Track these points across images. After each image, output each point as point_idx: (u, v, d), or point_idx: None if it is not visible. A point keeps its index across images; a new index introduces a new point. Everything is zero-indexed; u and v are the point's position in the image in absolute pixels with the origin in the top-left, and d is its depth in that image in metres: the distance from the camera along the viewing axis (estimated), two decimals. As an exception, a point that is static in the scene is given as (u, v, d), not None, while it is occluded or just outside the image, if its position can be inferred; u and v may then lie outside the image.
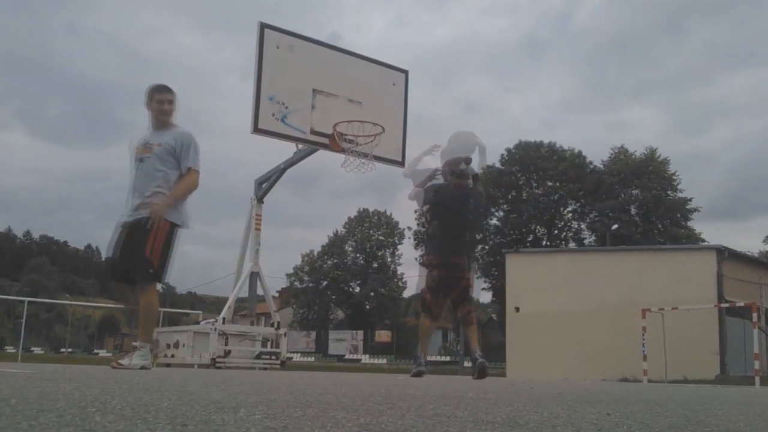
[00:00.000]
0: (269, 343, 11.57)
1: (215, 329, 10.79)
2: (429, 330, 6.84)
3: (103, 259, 5.23)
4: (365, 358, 48.33)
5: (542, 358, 21.82)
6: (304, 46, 10.69)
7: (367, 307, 57.14)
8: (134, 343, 5.33)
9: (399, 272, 57.97)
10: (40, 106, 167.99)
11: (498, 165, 47.18)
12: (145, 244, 5.20)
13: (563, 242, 46.68)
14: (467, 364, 37.67)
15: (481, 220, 5.82)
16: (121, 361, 5.19)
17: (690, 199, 43.20)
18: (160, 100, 5.51)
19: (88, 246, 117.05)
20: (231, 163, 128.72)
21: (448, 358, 45.88)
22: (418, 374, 6.43)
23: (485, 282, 47.76)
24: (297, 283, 57.90)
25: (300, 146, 10.94)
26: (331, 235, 58.39)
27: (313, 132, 10.57)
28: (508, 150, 47.33)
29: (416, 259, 50.87)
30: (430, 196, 6.69)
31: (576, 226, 47.68)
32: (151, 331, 5.48)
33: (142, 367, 5.08)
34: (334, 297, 57.40)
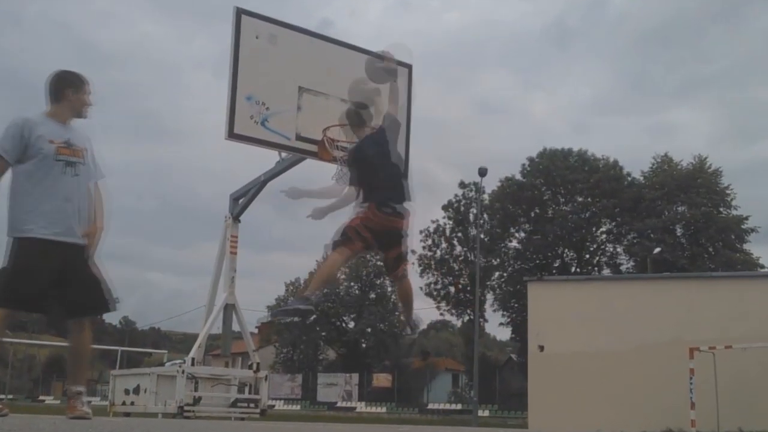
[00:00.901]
0: (247, 389, 11.54)
1: (183, 372, 10.74)
2: (341, 264, 6.88)
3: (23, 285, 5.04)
4: (361, 406, 48.09)
5: (571, 405, 21.61)
6: (288, 35, 10.67)
7: (364, 345, 56.96)
8: (76, 388, 5.32)
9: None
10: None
11: (518, 177, 47.28)
12: (92, 268, 5.27)
13: (596, 269, 46.69)
14: (482, 413, 37.55)
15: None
16: (84, 409, 5.22)
17: (746, 218, 43.20)
18: (87, 92, 5.57)
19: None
20: (202, 174, 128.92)
21: (459, 406, 45.77)
22: (305, 313, 6.53)
23: (503, 316, 47.90)
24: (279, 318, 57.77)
25: (283, 155, 10.93)
26: (320, 261, 58.37)
27: (299, 138, 10.54)
28: (531, 159, 47.50)
29: (422, 288, 50.96)
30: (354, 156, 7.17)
31: (611, 249, 47.81)
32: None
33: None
34: (323, 334, 57.24)
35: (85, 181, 5.42)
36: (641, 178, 46.03)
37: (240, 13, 10.31)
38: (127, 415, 10.98)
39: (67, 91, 5.46)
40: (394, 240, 6.71)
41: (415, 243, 56.04)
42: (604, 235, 47.54)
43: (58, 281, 5.14)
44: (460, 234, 50.94)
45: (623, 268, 46.18)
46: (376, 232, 6.58)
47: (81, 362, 5.41)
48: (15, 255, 5.11)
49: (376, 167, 6.88)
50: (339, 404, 49.51)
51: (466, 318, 50.45)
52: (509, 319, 47.05)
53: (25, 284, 5.03)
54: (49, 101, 5.48)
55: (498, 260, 48.39)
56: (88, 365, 5.45)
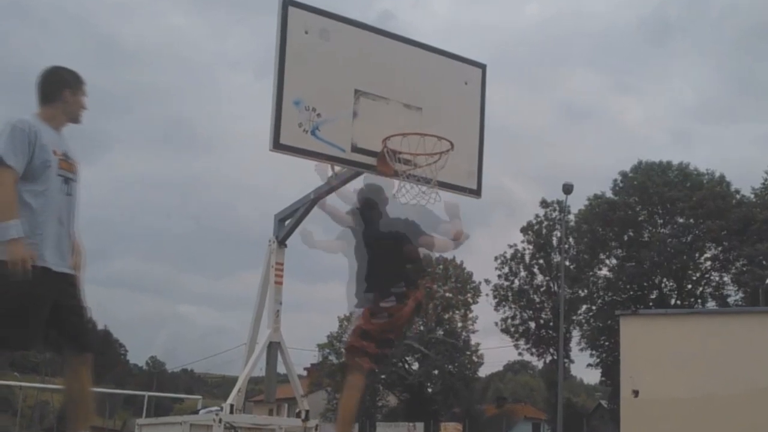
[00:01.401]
0: (294, 440, 11.44)
1: (220, 421, 10.62)
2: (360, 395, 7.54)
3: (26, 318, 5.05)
4: (426, 460, 47.89)
5: (672, 461, 21.32)
6: (343, 30, 10.48)
7: (429, 390, 56.68)
8: None
9: (473, 342, 57.67)
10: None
11: (609, 194, 46.92)
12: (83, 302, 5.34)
13: (699, 301, 46.04)
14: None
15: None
16: None
17: None
18: (84, 94, 5.61)
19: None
20: (242, 191, 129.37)
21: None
22: None
23: (591, 356, 47.45)
24: (332, 358, 57.85)
25: (337, 169, 10.69)
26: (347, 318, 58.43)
27: (356, 149, 10.30)
28: (624, 174, 47.20)
29: (497, 323, 50.64)
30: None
31: (717, 278, 47.11)
32: None
33: None
34: (383, 377, 57.08)
35: (76, 202, 5.48)
36: (752, 196, 45.51)
37: (287, 4, 10.12)
38: (157, 470, 10.93)
39: (64, 91, 5.47)
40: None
41: (489, 271, 56.00)
42: (708, 262, 47.08)
43: (50, 317, 5.16)
44: (541, 261, 50.73)
45: (731, 300, 45.70)
46: (381, 339, 7.22)
47: (81, 408, 5.40)
48: (11, 283, 5.01)
49: (384, 256, 7.51)
50: (401, 457, 49.31)
51: (549, 358, 50.25)
52: (599, 360, 46.89)
53: (24, 320, 5.02)
54: (39, 102, 5.46)
55: (585, 291, 48.13)
56: (91, 411, 5.43)
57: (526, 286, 50.82)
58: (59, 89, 5.45)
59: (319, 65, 10.23)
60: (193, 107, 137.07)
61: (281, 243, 11.52)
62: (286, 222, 11.55)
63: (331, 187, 10.85)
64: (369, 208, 8.34)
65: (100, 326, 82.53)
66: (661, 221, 46.53)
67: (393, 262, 7.58)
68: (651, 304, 44.58)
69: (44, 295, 5.13)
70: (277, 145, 9.85)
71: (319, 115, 10.07)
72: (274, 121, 9.88)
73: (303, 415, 11.37)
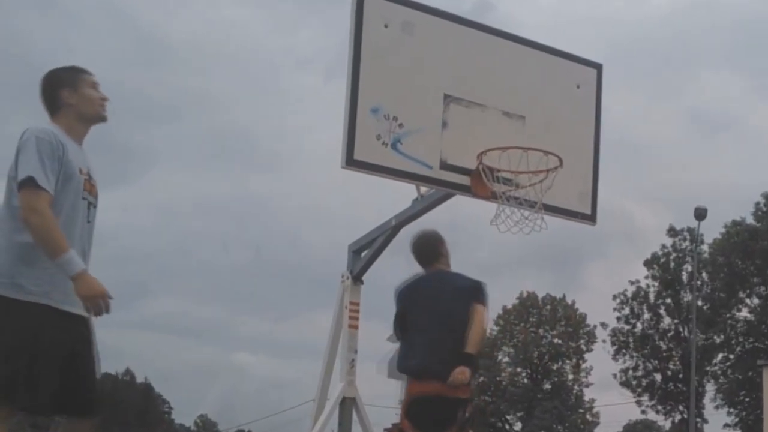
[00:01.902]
0: None
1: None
2: None
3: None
4: None
5: None
6: (430, 23, 10.23)
7: (535, 454, 56.29)
8: None
9: (586, 398, 57.15)
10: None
11: (750, 220, 46.20)
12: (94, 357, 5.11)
13: None
14: None
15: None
16: None
17: None
18: (91, 84, 5.31)
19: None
20: (309, 217, 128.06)
21: None
22: None
23: (729, 414, 46.73)
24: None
25: (423, 190, 10.50)
26: None
27: (445, 166, 10.04)
28: (767, 196, 46.23)
29: (615, 375, 49.95)
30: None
31: None
32: None
33: None
34: (480, 437, 56.84)
35: (93, 223, 5.28)
36: None
37: (363, -7, 10.18)
38: None
39: (62, 92, 5.18)
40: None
41: (607, 313, 55.21)
42: None
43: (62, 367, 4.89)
44: (669, 300, 50.21)
45: None
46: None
47: None
48: (27, 327, 4.77)
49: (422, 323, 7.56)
50: None
51: (678, 417, 49.55)
52: (738, 419, 46.04)
53: (36, 373, 4.76)
54: (50, 118, 5.21)
55: (722, 336, 47.43)
56: None
57: (650, 331, 50.38)
58: (56, 93, 5.19)
59: (401, 65, 10.00)
60: (252, 115, 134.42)
61: (356, 279, 11.28)
62: (363, 254, 11.32)
63: (416, 211, 10.69)
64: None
65: (139, 378, 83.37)
66: (814, 252, 45.70)
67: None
68: (801, 352, 43.75)
69: (61, 342, 4.87)
70: (351, 162, 9.65)
71: (401, 125, 9.85)
72: (347, 133, 9.64)
73: (382, 485, 11.23)
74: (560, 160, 10.06)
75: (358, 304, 11.19)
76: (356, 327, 11.15)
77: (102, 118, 5.32)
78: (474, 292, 7.54)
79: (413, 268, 8.16)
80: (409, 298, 7.72)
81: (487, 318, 7.72)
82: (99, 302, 4.75)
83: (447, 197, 10.51)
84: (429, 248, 7.91)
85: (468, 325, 7.18)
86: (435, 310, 7.57)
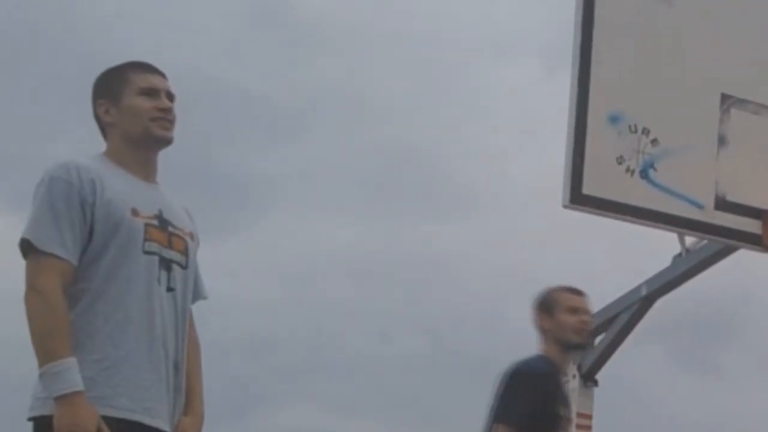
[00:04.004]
0: None
1: None
2: None
3: None
4: None
5: None
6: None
7: None
8: None
9: None
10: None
11: None
12: None
13: None
14: None
15: None
16: None
17: None
18: (137, 91, 3.81)
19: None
20: (507, 284, 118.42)
21: None
22: None
23: None
24: None
25: (690, 241, 8.76)
26: None
27: (722, 204, 7.87)
28: None
29: None
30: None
31: None
32: None
33: None
34: None
35: (187, 303, 3.83)
36: None
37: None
38: None
39: (98, 107, 3.91)
40: None
41: None
42: None
43: None
44: None
45: None
46: None
47: None
48: None
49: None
50: None
51: None
52: None
53: None
54: (103, 137, 4.00)
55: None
56: None
57: None
58: (93, 108, 3.93)
59: (653, 51, 7.94)
60: (427, 128, 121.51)
61: (587, 378, 9.57)
62: (597, 339, 9.39)
63: (678, 274, 9.08)
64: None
65: None
66: None
67: None
68: None
69: None
70: (578, 198, 7.46)
71: (654, 141, 7.75)
72: (572, 155, 7.50)
73: None
74: None
75: (590, 417, 9.43)
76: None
77: (156, 138, 3.83)
78: None
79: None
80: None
81: None
82: None
83: (726, 252, 8.60)
84: None
85: None
86: None
